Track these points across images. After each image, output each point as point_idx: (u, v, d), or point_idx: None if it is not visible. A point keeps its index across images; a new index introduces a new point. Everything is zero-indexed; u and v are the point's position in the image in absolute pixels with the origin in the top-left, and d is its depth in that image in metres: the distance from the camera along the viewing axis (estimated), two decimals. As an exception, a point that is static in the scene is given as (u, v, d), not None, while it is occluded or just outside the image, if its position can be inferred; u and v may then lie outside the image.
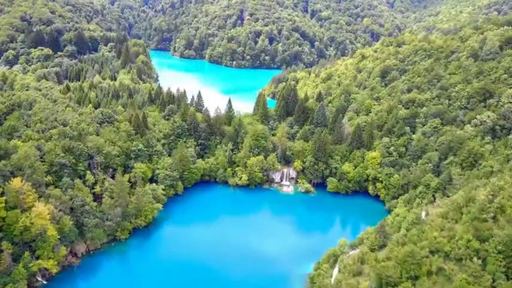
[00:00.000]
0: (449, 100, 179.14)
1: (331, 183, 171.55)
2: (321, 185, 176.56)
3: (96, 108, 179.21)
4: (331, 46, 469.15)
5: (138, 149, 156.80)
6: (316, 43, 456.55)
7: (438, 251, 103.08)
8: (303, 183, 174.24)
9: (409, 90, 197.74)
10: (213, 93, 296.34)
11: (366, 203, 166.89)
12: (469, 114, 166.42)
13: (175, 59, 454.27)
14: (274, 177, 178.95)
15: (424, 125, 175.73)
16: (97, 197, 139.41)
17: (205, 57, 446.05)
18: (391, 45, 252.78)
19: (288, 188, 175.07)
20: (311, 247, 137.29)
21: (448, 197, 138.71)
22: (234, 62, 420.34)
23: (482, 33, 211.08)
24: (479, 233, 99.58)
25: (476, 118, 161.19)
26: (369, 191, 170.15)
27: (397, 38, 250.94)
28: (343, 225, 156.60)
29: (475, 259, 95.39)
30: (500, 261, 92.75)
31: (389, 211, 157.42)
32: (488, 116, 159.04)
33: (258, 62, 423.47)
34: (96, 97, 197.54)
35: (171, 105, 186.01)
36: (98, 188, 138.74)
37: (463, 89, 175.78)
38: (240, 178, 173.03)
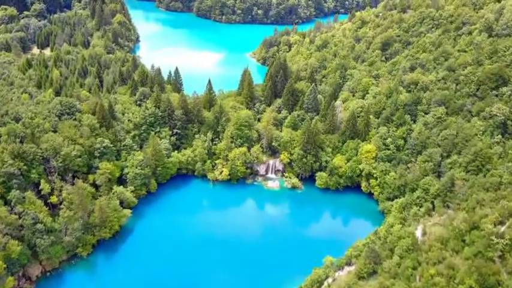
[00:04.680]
0: (457, 85, 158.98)
1: (321, 178, 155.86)
2: (309, 179, 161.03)
3: (57, 92, 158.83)
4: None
5: (103, 146, 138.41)
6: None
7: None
8: (290, 178, 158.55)
9: (412, 69, 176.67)
10: (197, 58, 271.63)
11: (358, 201, 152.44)
12: (477, 104, 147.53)
13: (160, 11, 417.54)
14: (258, 169, 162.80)
15: (426, 113, 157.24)
16: (54, 206, 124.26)
17: (193, 9, 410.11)
18: (395, 9, 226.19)
19: (273, 183, 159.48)
20: (295, 259, 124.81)
21: (449, 207, 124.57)
22: (224, 17, 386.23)
23: (499, 1, 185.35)
24: (483, 278, 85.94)
25: (485, 111, 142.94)
26: (362, 188, 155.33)
27: (401, 1, 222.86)
28: (332, 230, 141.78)
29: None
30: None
31: (383, 213, 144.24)
32: (499, 109, 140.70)
33: (249, 16, 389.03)
34: (61, 75, 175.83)
35: (143, 88, 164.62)
36: (54, 198, 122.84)
37: (473, 72, 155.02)
38: (221, 172, 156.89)
